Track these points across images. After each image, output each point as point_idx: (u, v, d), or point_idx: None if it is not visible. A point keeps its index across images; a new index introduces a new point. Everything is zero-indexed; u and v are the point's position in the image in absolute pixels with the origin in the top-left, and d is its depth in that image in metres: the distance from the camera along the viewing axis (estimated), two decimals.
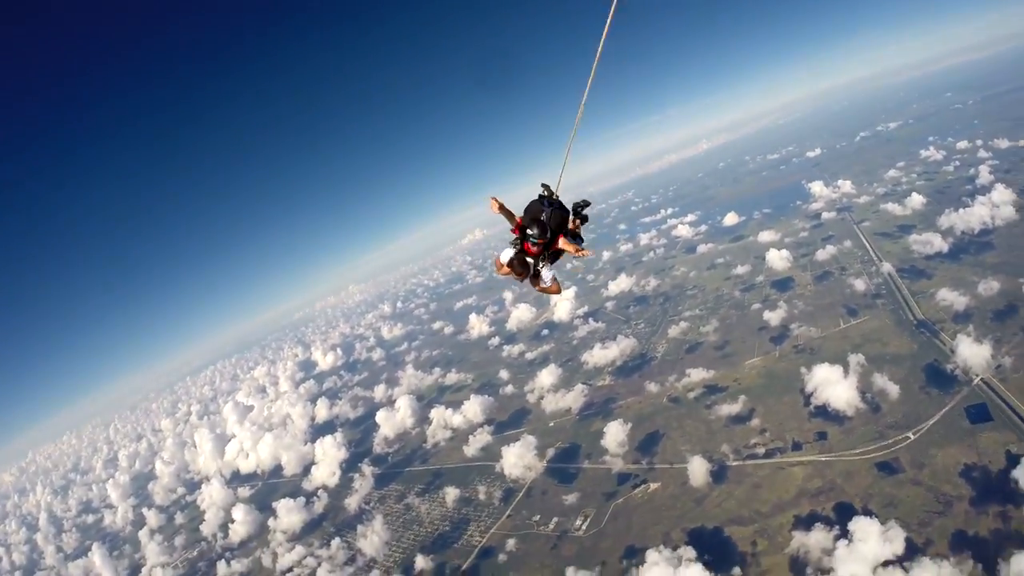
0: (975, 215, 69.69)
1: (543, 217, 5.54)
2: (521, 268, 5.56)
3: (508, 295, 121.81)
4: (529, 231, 5.43)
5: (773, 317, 63.60)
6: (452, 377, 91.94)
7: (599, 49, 4.81)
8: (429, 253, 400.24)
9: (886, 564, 29.88)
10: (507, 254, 5.64)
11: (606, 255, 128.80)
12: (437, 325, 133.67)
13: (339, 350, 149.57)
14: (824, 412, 44.52)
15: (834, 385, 45.09)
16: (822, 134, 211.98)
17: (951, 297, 53.75)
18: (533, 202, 5.68)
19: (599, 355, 71.31)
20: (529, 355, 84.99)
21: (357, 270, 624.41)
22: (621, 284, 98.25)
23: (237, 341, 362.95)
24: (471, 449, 62.98)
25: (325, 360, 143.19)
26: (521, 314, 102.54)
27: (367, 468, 69.80)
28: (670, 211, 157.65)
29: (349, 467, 72.52)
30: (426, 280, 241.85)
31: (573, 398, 65.27)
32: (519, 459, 54.59)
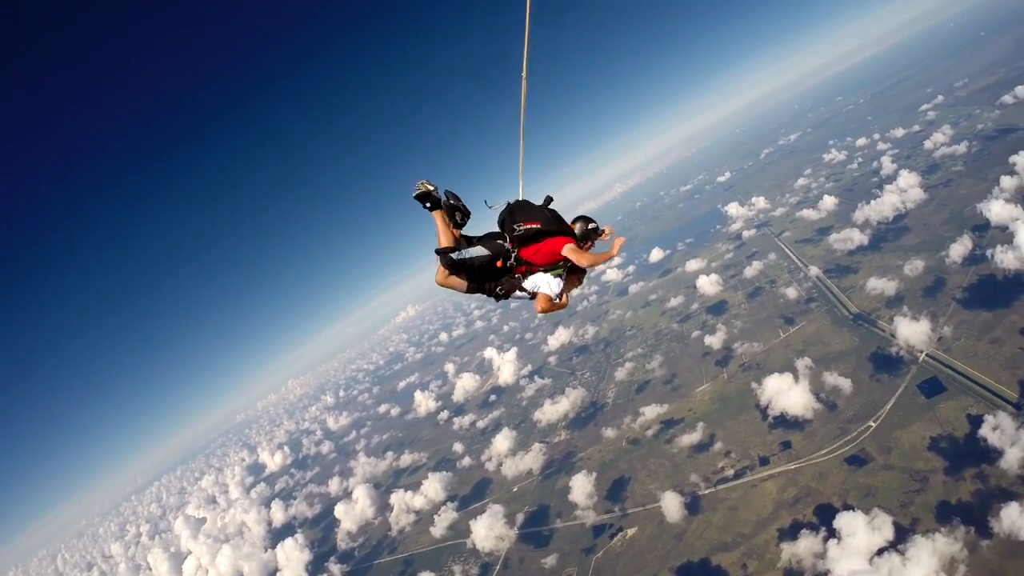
0: (887, 203, 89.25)
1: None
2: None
3: (450, 367, 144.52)
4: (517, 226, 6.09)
5: (714, 341, 77.71)
6: (406, 459, 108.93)
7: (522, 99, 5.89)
8: (365, 336, 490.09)
9: (880, 552, 37.12)
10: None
11: None
12: (383, 408, 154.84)
13: (286, 448, 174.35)
14: (783, 421, 54.67)
15: (787, 393, 54.76)
16: (729, 158, 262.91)
17: (880, 285, 68.19)
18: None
19: (550, 411, 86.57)
20: (480, 423, 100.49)
21: (295, 364, 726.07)
22: (560, 337, 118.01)
23: (180, 452, 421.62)
24: (438, 529, 74.43)
25: (273, 460, 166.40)
26: (466, 384, 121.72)
27: (335, 567, 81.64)
28: None
29: (315, 568, 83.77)
30: (365, 364, 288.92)
31: (532, 459, 78.13)
32: (489, 531, 64.36)
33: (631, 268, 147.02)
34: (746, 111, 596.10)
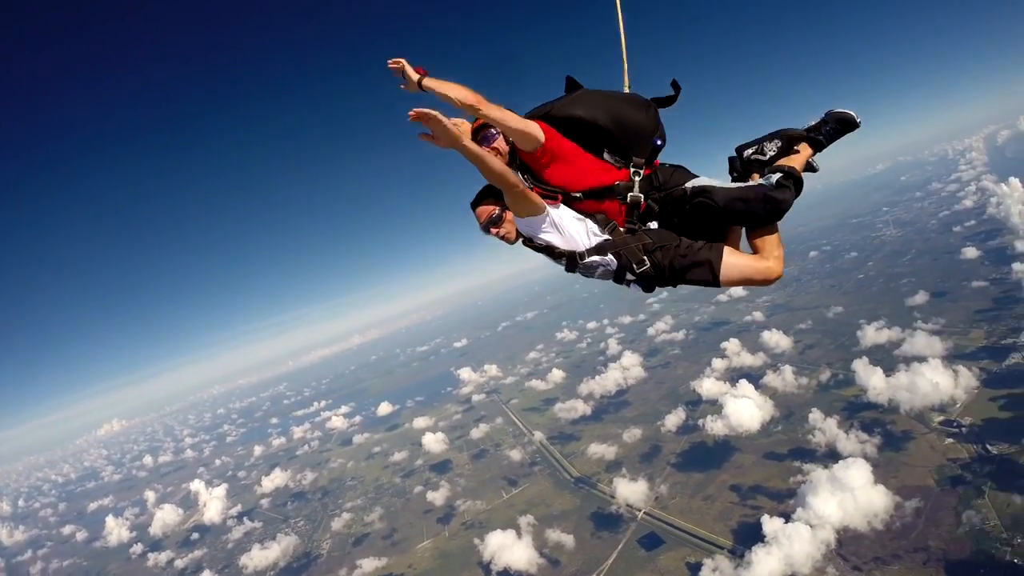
0: (610, 379, 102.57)
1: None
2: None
3: (150, 495, 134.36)
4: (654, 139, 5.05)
5: (437, 497, 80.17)
6: None
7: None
8: (58, 443, 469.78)
9: None
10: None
11: (258, 450, 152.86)
12: (68, 529, 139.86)
13: None
14: None
15: (510, 549, 58.39)
16: (467, 327, 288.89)
17: (601, 450, 77.23)
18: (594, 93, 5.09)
19: (259, 557, 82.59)
20: (179, 563, 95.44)
21: None
22: (276, 480, 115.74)
23: None
24: None
25: None
26: (166, 516, 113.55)
27: None
28: (324, 404, 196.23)
29: None
30: (54, 475, 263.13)
31: None
32: None
33: (357, 419, 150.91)
34: (491, 286, 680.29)
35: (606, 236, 4.85)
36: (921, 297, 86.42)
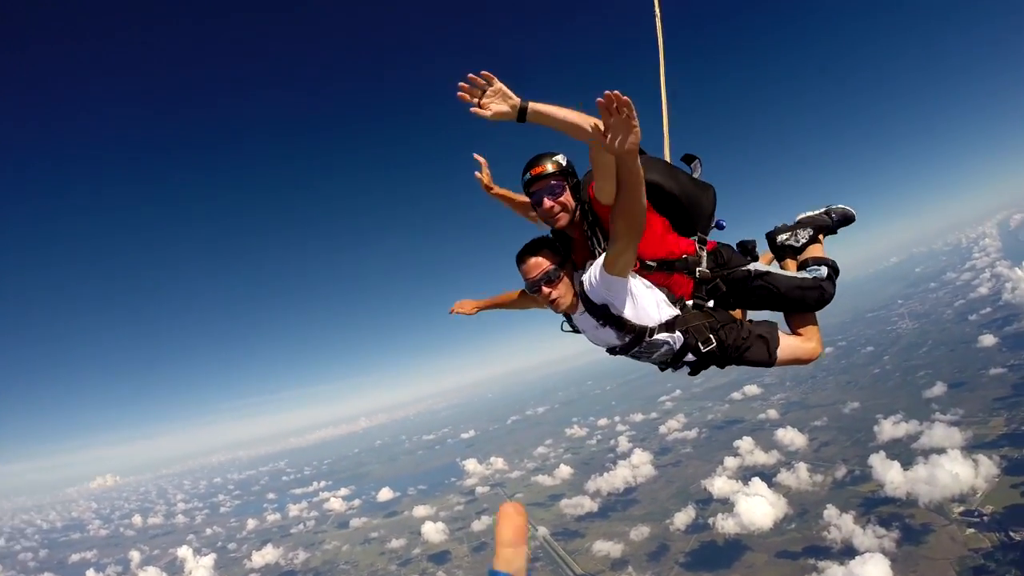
0: (619, 476, 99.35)
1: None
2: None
3: (135, 555, 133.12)
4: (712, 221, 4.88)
5: None
6: None
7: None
8: (49, 489, 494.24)
9: None
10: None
11: (251, 523, 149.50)
12: None
13: None
14: None
15: None
16: (476, 418, 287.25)
17: (607, 547, 73.58)
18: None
19: None
20: None
21: None
22: (267, 556, 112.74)
23: None
24: None
25: None
26: None
27: None
28: (323, 484, 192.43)
29: None
30: (39, 520, 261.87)
31: None
32: None
33: (356, 502, 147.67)
34: (502, 379, 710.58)
35: (676, 311, 4.45)
36: (939, 389, 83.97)
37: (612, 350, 4.66)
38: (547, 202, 4.29)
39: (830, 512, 59.94)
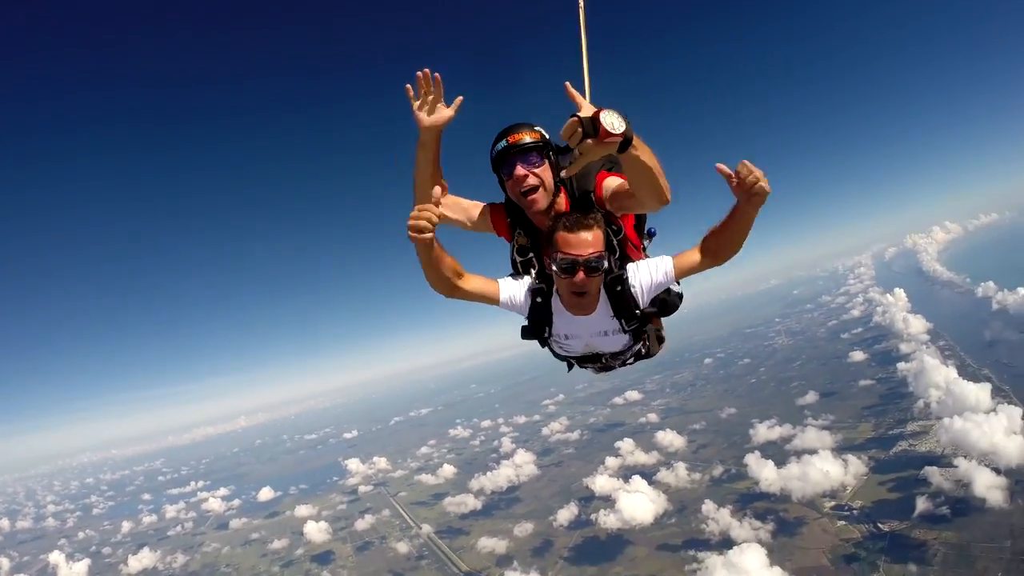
0: (502, 475, 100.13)
1: None
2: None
3: (4, 562, 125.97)
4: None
5: None
6: None
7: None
8: None
9: None
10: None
11: (126, 526, 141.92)
12: None
13: None
14: None
15: None
16: (359, 419, 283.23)
17: (491, 544, 73.63)
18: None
19: None
20: None
21: None
22: (144, 560, 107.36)
23: None
24: None
25: None
26: None
27: None
28: (201, 484, 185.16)
29: None
30: None
31: None
32: None
33: (236, 502, 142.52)
34: (385, 381, 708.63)
35: None
36: (811, 397, 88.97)
37: (592, 359, 4.47)
38: (520, 170, 3.79)
39: (708, 507, 62.18)
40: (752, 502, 61.79)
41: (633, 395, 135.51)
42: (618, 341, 4.17)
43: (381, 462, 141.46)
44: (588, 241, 3.58)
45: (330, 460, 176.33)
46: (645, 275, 3.93)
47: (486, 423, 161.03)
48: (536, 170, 3.79)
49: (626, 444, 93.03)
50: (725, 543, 54.30)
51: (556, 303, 4.01)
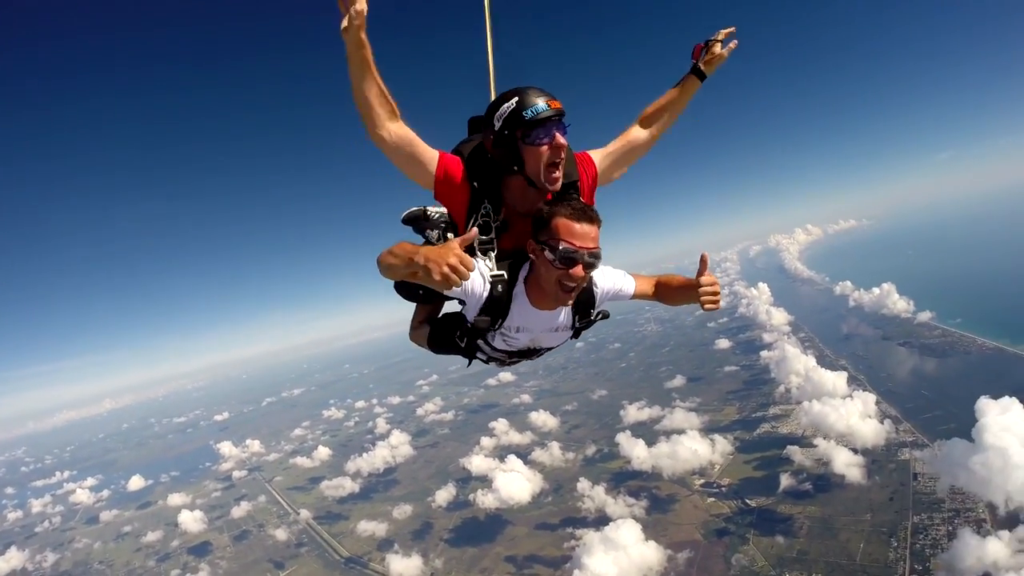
0: (378, 457, 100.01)
1: None
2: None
3: None
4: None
5: None
6: None
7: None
8: None
9: None
10: None
11: None
12: None
13: None
14: None
15: None
16: (229, 400, 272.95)
17: (371, 528, 73.68)
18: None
19: None
20: None
21: None
22: (12, 561, 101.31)
23: None
24: None
25: None
26: None
27: None
28: (67, 474, 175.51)
29: None
30: None
31: None
32: None
33: (105, 493, 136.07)
34: (255, 360, 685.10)
35: None
36: (679, 381, 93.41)
37: (520, 354, 4.21)
38: (561, 138, 3.44)
39: (583, 485, 64.45)
40: (625, 480, 64.39)
41: (506, 376, 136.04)
42: (561, 338, 4.07)
43: (254, 445, 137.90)
44: (593, 234, 3.42)
45: (201, 444, 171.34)
46: (609, 282, 3.93)
47: (360, 404, 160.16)
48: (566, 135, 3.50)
49: (500, 424, 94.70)
50: (601, 520, 56.13)
51: (519, 292, 3.70)
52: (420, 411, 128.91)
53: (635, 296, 4.10)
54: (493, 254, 3.68)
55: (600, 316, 4.08)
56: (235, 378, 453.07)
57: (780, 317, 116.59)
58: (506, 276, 3.61)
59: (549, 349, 4.22)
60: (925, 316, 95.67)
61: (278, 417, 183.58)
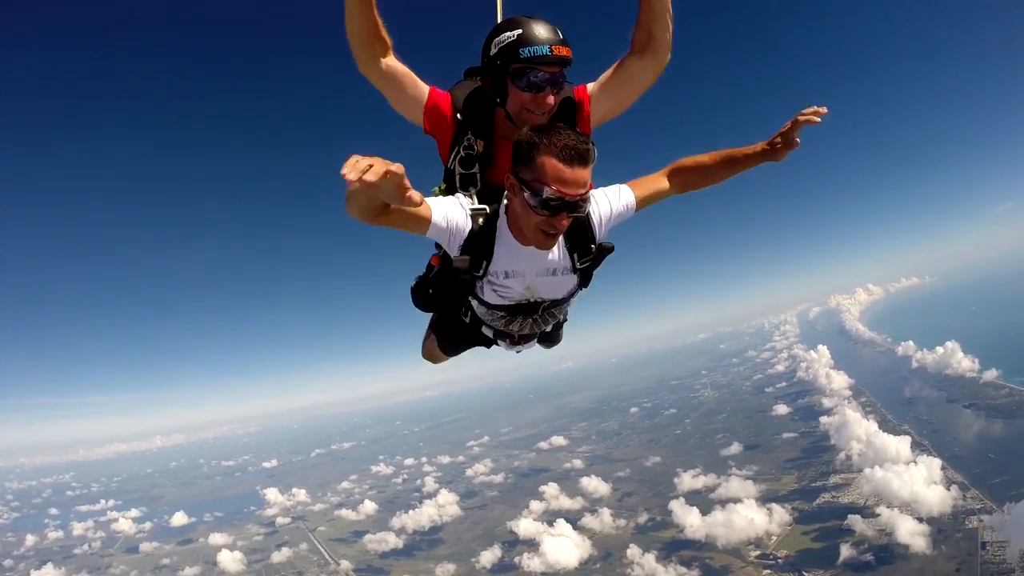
0: (425, 515, 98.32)
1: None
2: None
3: None
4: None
5: None
6: None
7: None
8: None
9: None
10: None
11: (30, 540, 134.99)
12: None
13: None
14: None
15: None
16: (279, 448, 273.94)
17: None
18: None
19: None
20: None
21: None
22: None
23: None
24: None
25: None
26: None
27: None
28: (112, 503, 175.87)
29: None
30: None
31: None
32: None
33: (148, 525, 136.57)
34: (307, 411, 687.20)
35: None
36: (735, 448, 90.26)
37: (526, 310, 3.70)
38: (551, 100, 3.30)
39: (633, 552, 62.00)
40: (677, 549, 61.84)
41: (559, 440, 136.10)
42: (564, 284, 3.60)
43: (301, 494, 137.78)
44: (584, 179, 2.98)
45: (248, 488, 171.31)
46: (604, 205, 3.49)
47: (409, 461, 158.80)
48: (559, 96, 3.36)
49: (551, 489, 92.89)
50: None
51: (503, 229, 3.35)
52: (470, 472, 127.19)
53: (644, 202, 3.62)
54: (475, 189, 3.52)
55: (606, 250, 3.62)
56: (286, 427, 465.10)
57: (840, 381, 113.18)
58: (488, 210, 3.33)
59: (556, 304, 3.75)
60: (991, 375, 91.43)
61: (326, 469, 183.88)
